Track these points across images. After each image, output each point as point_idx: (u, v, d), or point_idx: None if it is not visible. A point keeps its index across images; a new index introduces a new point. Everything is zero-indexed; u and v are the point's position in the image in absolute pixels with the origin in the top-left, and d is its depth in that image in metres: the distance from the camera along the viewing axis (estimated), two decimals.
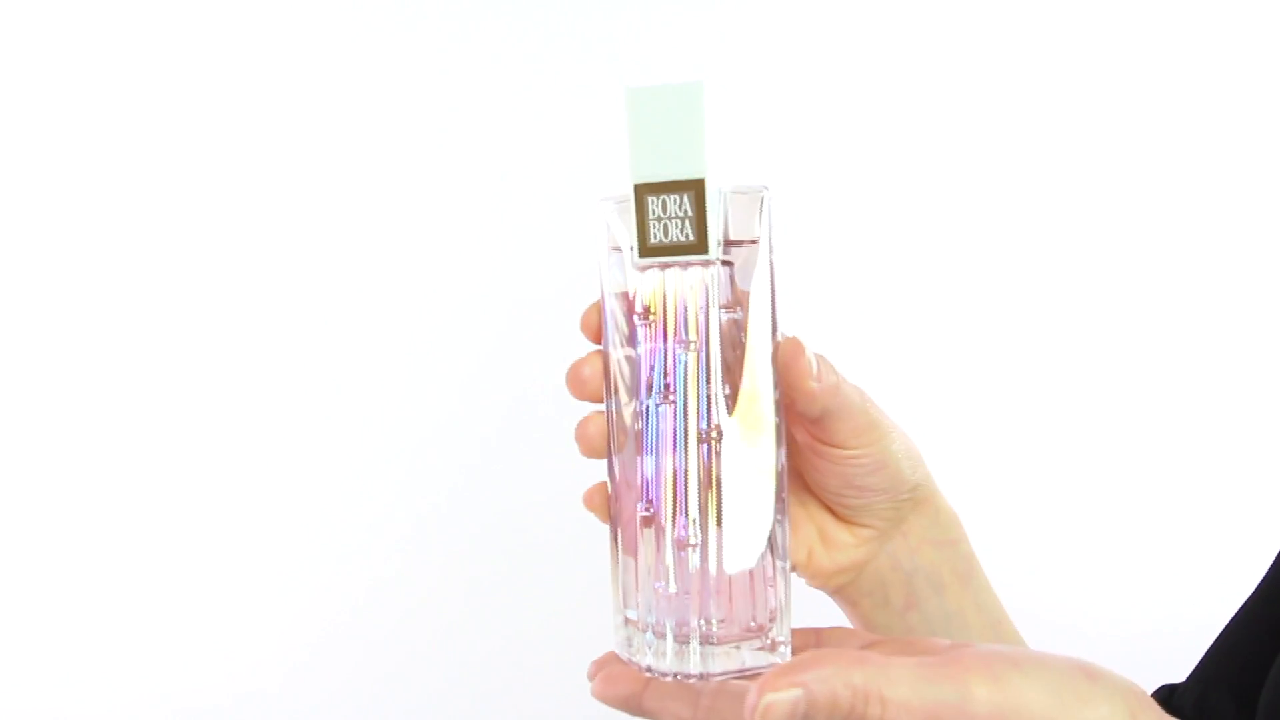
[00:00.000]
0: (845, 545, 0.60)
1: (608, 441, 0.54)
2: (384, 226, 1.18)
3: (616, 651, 0.53)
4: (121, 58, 1.14)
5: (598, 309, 0.54)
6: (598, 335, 0.55)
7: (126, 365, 1.15)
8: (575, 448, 0.56)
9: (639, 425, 0.52)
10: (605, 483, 0.55)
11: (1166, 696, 0.70)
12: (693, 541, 0.51)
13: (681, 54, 1.18)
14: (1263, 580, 0.65)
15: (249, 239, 1.16)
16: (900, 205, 1.23)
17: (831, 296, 1.20)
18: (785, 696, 0.43)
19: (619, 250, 0.53)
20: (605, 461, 0.56)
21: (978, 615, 0.62)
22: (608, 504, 0.54)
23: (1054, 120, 1.23)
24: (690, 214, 0.51)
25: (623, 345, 0.53)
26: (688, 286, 0.52)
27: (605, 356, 0.54)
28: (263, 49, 1.16)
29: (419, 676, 1.20)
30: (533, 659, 1.19)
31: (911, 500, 0.60)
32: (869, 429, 0.57)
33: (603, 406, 0.55)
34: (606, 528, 0.55)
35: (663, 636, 0.51)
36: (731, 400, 0.52)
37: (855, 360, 0.59)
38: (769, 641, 0.52)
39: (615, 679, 0.53)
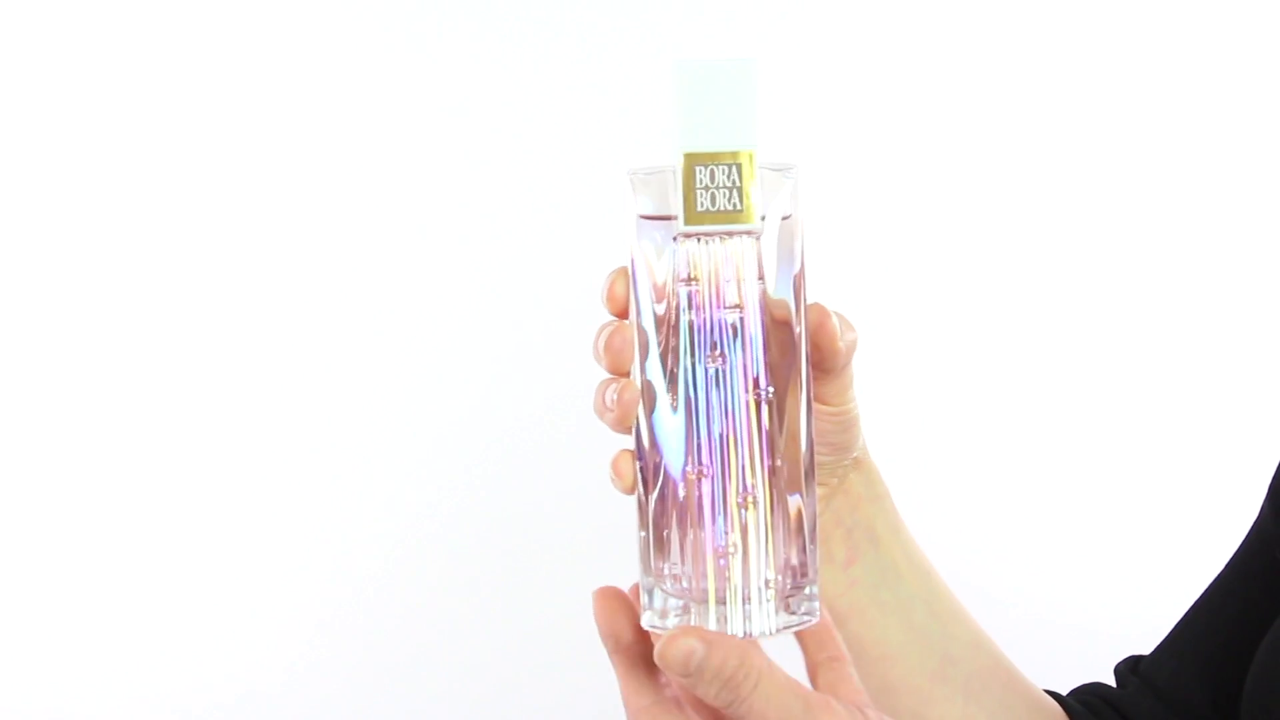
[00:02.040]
0: None
1: (641, 407, 0.53)
2: (387, 227, 1.20)
3: (653, 625, 0.53)
4: (133, 64, 1.14)
5: (625, 276, 0.54)
6: (622, 304, 0.54)
7: (134, 367, 1.16)
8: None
9: (686, 388, 0.52)
10: (631, 451, 0.54)
11: (1133, 665, 0.74)
12: (754, 499, 0.52)
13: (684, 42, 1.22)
14: (1230, 562, 0.71)
15: (250, 235, 1.18)
16: (909, 193, 1.26)
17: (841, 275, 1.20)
18: (683, 646, 0.47)
19: (652, 219, 0.53)
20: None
21: (908, 564, 0.66)
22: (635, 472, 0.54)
23: (1074, 134, 1.27)
24: (738, 184, 0.52)
25: (660, 310, 0.53)
26: (732, 255, 0.53)
27: (635, 325, 0.53)
28: (271, 47, 1.17)
29: (420, 678, 1.20)
30: (534, 660, 1.20)
31: (855, 458, 0.64)
32: (848, 386, 0.60)
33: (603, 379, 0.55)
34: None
35: (723, 601, 0.51)
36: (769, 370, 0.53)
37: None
38: (809, 597, 0.53)
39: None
